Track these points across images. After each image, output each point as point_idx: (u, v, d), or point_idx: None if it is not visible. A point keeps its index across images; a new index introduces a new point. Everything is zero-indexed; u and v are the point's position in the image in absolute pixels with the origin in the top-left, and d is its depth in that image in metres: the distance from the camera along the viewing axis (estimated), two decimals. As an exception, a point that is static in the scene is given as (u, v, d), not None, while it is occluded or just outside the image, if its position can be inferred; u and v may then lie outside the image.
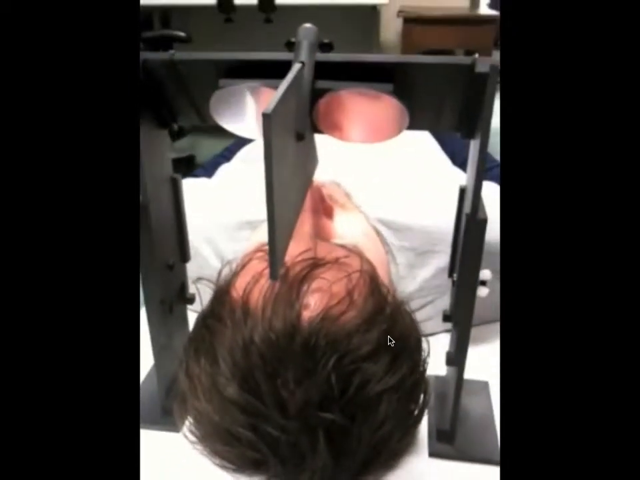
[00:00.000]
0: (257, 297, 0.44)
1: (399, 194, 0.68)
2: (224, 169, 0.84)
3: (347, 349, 0.42)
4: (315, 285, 0.44)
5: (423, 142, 0.91)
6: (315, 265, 0.45)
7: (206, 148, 2.38)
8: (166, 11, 2.71)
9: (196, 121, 0.51)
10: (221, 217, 0.70)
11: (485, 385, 0.60)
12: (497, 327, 0.72)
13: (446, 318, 0.56)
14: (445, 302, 0.62)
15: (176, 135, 2.36)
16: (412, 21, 2.38)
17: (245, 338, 0.42)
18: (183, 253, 0.56)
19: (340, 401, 0.41)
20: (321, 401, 0.41)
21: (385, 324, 0.44)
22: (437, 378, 0.60)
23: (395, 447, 0.48)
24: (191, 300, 0.59)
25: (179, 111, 0.50)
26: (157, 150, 0.51)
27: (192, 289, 0.59)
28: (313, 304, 0.43)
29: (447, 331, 0.63)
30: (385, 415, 0.43)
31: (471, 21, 2.42)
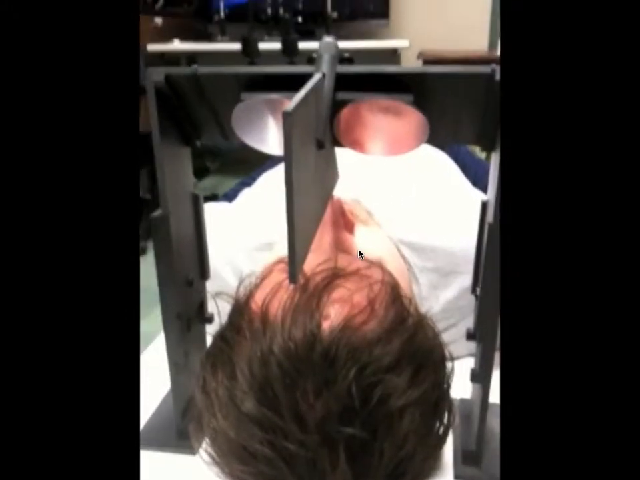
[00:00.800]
0: (276, 308, 0.43)
1: (420, 215, 0.68)
2: (245, 193, 0.84)
3: (369, 359, 0.40)
4: (335, 294, 0.43)
5: (444, 165, 0.91)
6: (336, 275, 0.44)
7: (229, 188, 2.43)
8: (192, 56, 2.80)
9: (219, 137, 0.52)
10: (241, 239, 0.70)
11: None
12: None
13: (469, 336, 0.55)
14: (469, 324, 0.60)
15: (200, 175, 2.40)
16: (432, 63, 2.43)
17: (263, 349, 0.42)
18: (203, 269, 0.56)
19: (361, 414, 0.40)
20: (341, 414, 0.40)
21: (407, 335, 0.43)
22: (462, 400, 0.58)
23: (419, 467, 0.46)
24: (210, 319, 0.58)
25: (202, 126, 0.51)
26: (179, 166, 0.52)
27: (211, 307, 0.59)
28: (333, 314, 0.42)
29: (472, 355, 0.62)
30: (408, 430, 0.42)
31: (490, 62, 2.44)
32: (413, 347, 0.43)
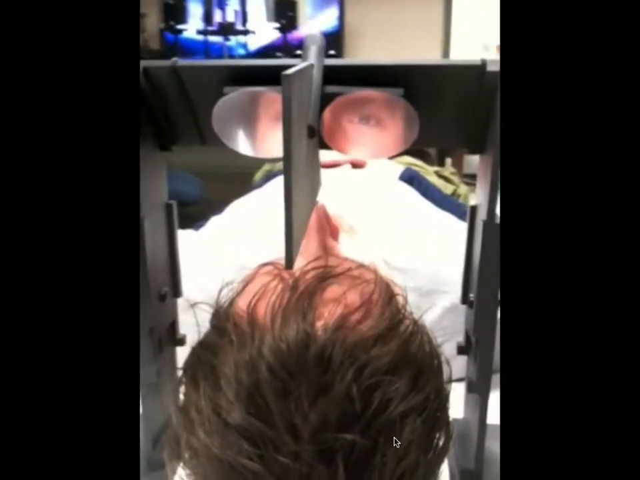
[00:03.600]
0: (264, 309, 0.40)
1: (400, 237, 0.67)
2: (215, 221, 0.81)
3: (366, 359, 0.37)
4: (327, 294, 0.40)
5: (417, 198, 0.91)
6: (327, 274, 0.42)
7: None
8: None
9: (197, 141, 0.50)
10: (214, 266, 0.67)
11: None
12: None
13: (461, 350, 0.52)
14: (454, 344, 0.58)
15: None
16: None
17: (252, 352, 0.38)
18: (175, 285, 0.53)
19: (361, 419, 0.36)
20: (339, 419, 0.36)
21: (405, 336, 0.40)
22: (455, 420, 0.55)
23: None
24: (182, 341, 0.54)
25: (180, 128, 0.48)
26: (153, 173, 0.49)
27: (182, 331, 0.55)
28: (327, 313, 0.39)
29: (459, 379, 0.59)
30: (410, 440, 0.38)
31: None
32: (411, 349, 0.40)
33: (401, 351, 0.39)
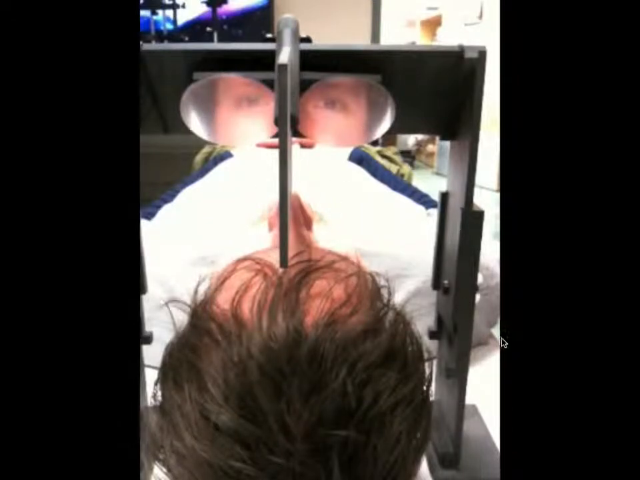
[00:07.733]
0: (249, 307, 0.38)
1: (361, 222, 0.66)
2: (166, 210, 0.78)
3: (358, 354, 0.37)
4: (314, 289, 0.39)
5: (369, 179, 0.91)
6: (311, 268, 0.40)
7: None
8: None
9: (157, 129, 0.47)
10: (171, 255, 0.64)
11: (473, 408, 0.57)
12: (474, 351, 0.70)
13: (432, 335, 0.53)
14: (420, 328, 0.58)
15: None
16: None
17: (240, 352, 0.36)
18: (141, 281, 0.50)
19: (356, 415, 0.36)
20: (335, 416, 0.36)
21: (392, 328, 0.40)
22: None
23: (409, 471, 0.42)
24: (148, 339, 0.52)
25: (142, 116, 0.45)
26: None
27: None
28: (314, 309, 0.38)
29: (428, 359, 0.59)
30: (400, 431, 0.38)
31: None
32: (397, 341, 0.40)
33: (389, 343, 0.39)
